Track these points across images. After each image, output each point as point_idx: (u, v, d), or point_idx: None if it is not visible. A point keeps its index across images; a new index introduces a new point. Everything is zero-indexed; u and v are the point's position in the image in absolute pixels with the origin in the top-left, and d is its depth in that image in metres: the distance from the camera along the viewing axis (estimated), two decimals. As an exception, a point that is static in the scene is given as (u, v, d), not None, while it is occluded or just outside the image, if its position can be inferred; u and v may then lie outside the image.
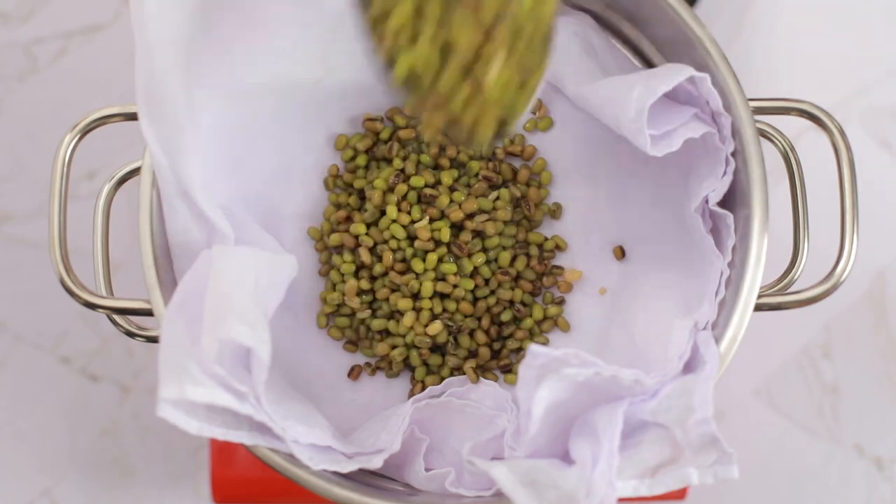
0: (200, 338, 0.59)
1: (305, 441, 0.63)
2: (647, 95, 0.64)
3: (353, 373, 0.72)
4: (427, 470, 0.66)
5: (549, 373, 0.59)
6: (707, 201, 0.66)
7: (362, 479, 0.66)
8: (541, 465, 0.60)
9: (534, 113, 0.74)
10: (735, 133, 0.66)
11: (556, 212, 0.73)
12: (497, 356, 0.71)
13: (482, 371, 0.71)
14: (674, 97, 0.66)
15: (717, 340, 0.64)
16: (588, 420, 0.61)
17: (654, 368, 0.63)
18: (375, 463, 0.64)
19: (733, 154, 0.66)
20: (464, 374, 0.70)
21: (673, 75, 0.65)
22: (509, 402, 0.68)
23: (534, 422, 0.60)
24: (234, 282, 0.61)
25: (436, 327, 0.69)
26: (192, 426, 0.59)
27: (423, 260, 0.70)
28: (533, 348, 0.59)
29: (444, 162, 0.72)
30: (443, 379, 0.71)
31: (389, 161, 0.72)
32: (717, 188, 0.66)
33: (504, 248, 0.71)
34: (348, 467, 0.64)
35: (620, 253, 0.72)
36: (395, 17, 0.57)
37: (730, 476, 0.59)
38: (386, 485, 0.67)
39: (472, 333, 0.71)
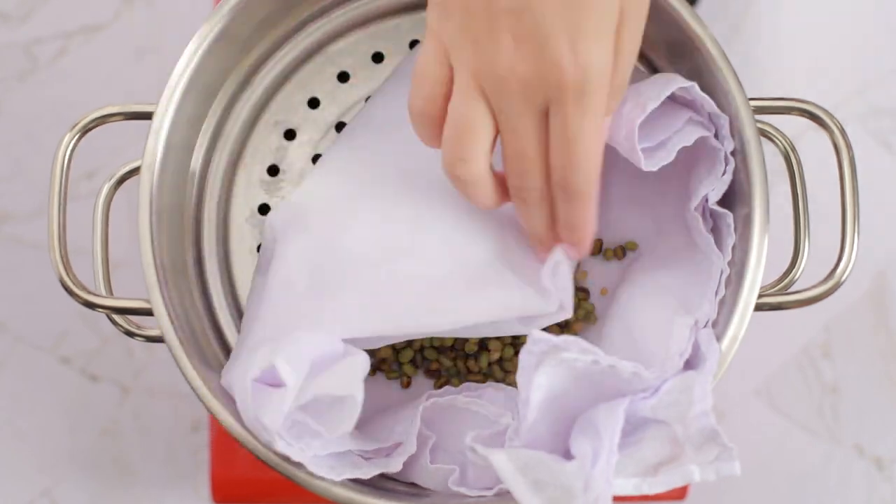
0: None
1: (324, 452, 0.63)
2: (635, 114, 0.64)
3: (353, 373, 0.72)
4: (431, 464, 0.66)
5: (547, 358, 0.59)
6: (707, 200, 0.66)
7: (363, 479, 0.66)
8: (540, 456, 0.60)
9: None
10: (735, 133, 0.66)
11: None
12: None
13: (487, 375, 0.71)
14: (668, 98, 0.66)
15: (718, 340, 0.64)
16: (590, 418, 0.61)
17: (654, 365, 0.63)
18: (394, 466, 0.65)
19: (733, 153, 0.66)
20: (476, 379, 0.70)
21: (660, 89, 0.65)
22: (516, 403, 0.68)
23: (532, 409, 0.60)
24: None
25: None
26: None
27: None
28: (534, 334, 0.59)
29: None
30: (449, 377, 0.71)
31: None
32: (716, 187, 0.66)
33: None
34: (369, 472, 0.64)
35: (621, 253, 0.72)
36: None
37: (731, 472, 0.59)
38: (387, 485, 0.67)
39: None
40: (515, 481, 0.59)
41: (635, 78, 0.69)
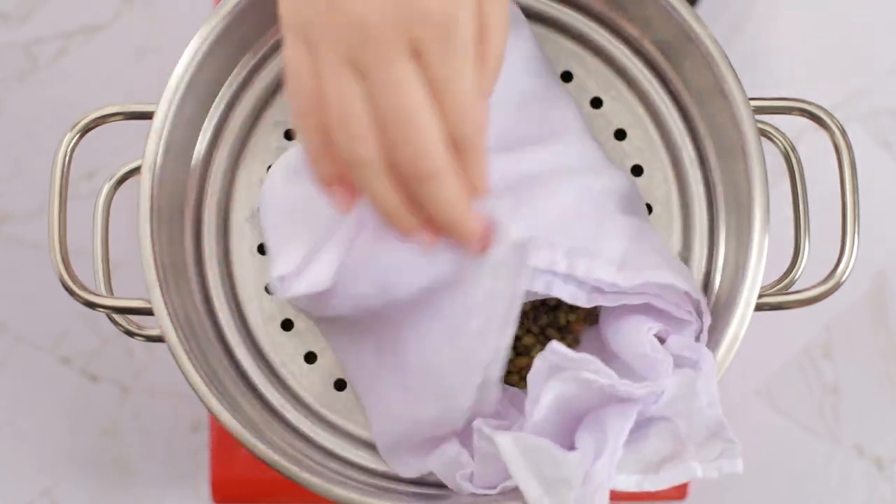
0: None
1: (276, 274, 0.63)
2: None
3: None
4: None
5: (562, 370, 0.59)
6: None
7: (364, 478, 0.66)
8: (545, 443, 0.60)
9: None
10: (737, 132, 0.66)
11: None
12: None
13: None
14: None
15: (718, 340, 0.64)
16: (598, 417, 0.61)
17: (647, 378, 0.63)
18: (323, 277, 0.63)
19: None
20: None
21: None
22: (521, 402, 0.68)
23: (540, 408, 0.60)
24: None
25: None
26: None
27: None
28: (553, 345, 0.59)
29: None
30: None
31: None
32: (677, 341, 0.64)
33: None
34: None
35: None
36: None
37: (734, 470, 0.59)
38: (388, 485, 0.67)
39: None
40: (517, 464, 0.59)
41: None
